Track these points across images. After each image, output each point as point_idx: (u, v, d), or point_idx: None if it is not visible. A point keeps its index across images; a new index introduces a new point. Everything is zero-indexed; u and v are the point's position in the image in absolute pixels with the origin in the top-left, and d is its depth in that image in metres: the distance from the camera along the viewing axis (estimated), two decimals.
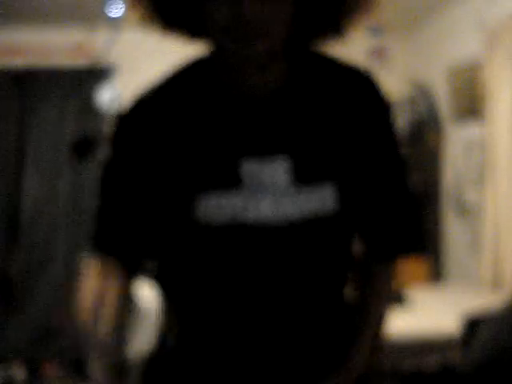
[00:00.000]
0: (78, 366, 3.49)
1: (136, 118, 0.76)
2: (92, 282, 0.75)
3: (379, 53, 3.58)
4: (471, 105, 3.35)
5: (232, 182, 0.70)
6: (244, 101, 0.74)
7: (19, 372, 3.29)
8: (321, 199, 0.70)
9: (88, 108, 3.86)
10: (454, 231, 3.66)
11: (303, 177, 0.71)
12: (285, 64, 0.75)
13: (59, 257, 3.75)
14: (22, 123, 3.80)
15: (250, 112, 0.74)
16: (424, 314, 2.28)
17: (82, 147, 3.82)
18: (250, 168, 0.70)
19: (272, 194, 0.70)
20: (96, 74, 3.86)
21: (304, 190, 0.70)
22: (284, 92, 0.74)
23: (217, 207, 0.69)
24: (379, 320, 0.85)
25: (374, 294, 0.84)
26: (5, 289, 3.67)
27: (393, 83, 3.90)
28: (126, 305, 0.77)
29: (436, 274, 3.51)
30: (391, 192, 0.79)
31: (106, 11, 3.26)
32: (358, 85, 0.76)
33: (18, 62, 3.80)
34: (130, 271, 0.79)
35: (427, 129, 3.65)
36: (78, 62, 3.85)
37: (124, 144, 0.76)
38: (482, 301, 2.50)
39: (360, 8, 0.73)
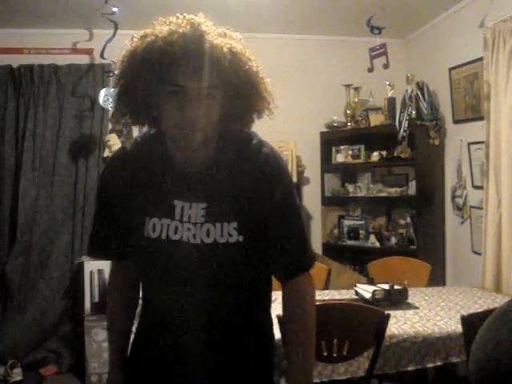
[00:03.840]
0: (75, 367, 3.49)
1: (115, 167, 1.20)
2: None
3: (380, 52, 3.56)
4: (472, 104, 3.34)
5: (168, 213, 1.13)
6: (184, 165, 1.15)
7: (17, 373, 3.28)
8: (228, 232, 1.11)
9: (87, 107, 3.86)
10: (455, 233, 3.65)
11: (215, 217, 1.11)
12: (215, 144, 1.15)
13: (57, 258, 3.73)
14: (20, 122, 3.79)
15: (187, 172, 1.14)
16: (426, 316, 2.27)
17: (81, 146, 3.81)
18: (180, 206, 1.13)
19: (193, 224, 1.12)
20: (95, 73, 3.86)
21: (216, 225, 1.11)
22: (211, 161, 1.14)
23: (157, 227, 1.13)
24: (310, 331, 1.17)
25: (295, 311, 1.18)
26: (2, 290, 3.66)
27: (393, 82, 3.89)
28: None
29: (438, 276, 3.50)
30: (284, 229, 1.16)
31: (105, 11, 3.25)
32: (261, 158, 1.15)
33: (17, 60, 3.80)
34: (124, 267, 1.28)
35: (428, 128, 3.64)
36: (77, 60, 3.85)
37: (106, 184, 1.22)
38: (483, 303, 2.50)
39: (262, 107, 1.14)
